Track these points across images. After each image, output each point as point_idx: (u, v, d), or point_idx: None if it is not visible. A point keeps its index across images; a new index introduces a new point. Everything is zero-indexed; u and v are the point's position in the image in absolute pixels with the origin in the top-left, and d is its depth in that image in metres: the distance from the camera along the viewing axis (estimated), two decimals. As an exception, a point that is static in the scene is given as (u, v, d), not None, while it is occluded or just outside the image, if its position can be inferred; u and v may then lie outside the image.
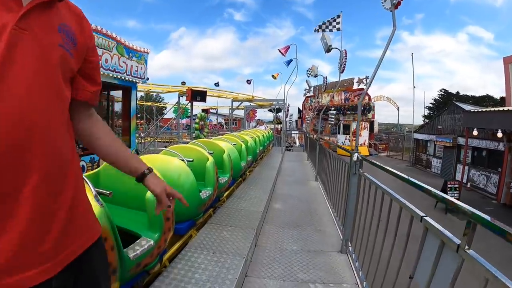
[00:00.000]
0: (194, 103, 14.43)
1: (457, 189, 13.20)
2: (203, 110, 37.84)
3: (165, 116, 28.61)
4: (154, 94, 36.37)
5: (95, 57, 1.15)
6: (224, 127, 38.26)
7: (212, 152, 4.76)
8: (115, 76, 7.28)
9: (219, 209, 4.73)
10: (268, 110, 31.53)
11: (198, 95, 13.68)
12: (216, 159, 4.75)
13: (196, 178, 3.75)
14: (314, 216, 5.12)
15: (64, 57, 0.95)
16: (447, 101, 36.55)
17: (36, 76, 0.85)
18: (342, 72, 8.75)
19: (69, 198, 0.95)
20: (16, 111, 0.79)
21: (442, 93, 46.75)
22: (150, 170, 1.36)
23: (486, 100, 42.23)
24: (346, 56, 8.79)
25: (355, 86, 31.89)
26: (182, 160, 3.78)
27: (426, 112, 43.93)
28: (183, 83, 26.17)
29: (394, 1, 3.57)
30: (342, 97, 33.77)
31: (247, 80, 35.12)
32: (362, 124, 28.35)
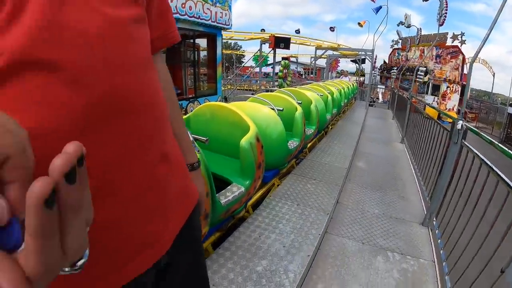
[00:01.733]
0: (281, 49, 14.18)
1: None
2: (283, 58, 37.17)
3: (245, 65, 28.43)
4: (232, 42, 36.25)
5: None
6: (303, 77, 37.44)
7: (300, 102, 4.70)
8: (199, 23, 7.44)
9: (302, 161, 4.72)
10: (351, 61, 30.13)
11: (281, 42, 13.40)
12: (303, 108, 4.64)
13: (284, 127, 3.74)
14: (398, 180, 4.88)
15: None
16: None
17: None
18: (441, 24, 8.08)
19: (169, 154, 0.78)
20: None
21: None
22: (198, 164, 1.04)
23: None
24: (447, 5, 8.06)
25: (449, 42, 28.55)
26: (272, 109, 3.78)
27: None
28: (263, 30, 25.81)
29: None
30: (434, 53, 30.35)
31: (330, 27, 33.71)
32: (452, 87, 26.21)
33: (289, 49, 13.81)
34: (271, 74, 18.60)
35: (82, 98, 0.51)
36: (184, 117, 3.59)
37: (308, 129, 4.86)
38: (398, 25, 17.33)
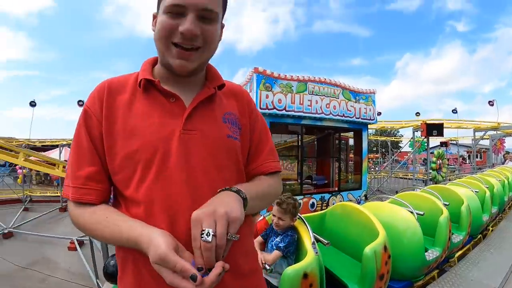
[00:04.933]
0: (434, 137, 13.47)
1: None
2: (441, 143, 34.95)
3: (402, 150, 27.70)
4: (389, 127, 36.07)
5: (257, 132, 1.19)
6: (467, 162, 34.06)
7: (447, 203, 4.30)
8: (344, 120, 8.06)
9: (445, 273, 4.15)
10: (521, 136, 26.46)
11: (433, 129, 12.74)
12: (452, 210, 4.26)
13: (424, 231, 3.47)
14: None
15: (233, 145, 1.04)
16: None
17: (208, 172, 0.96)
18: None
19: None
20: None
21: None
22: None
23: None
24: None
25: None
26: (411, 213, 3.58)
27: None
28: (417, 114, 24.87)
29: None
30: None
31: (489, 102, 30.87)
32: None
33: (443, 136, 13.00)
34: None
35: None
36: (321, 212, 3.90)
37: (457, 235, 4.37)
38: None
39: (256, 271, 1.13)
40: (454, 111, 27.92)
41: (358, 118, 8.33)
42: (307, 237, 2.60)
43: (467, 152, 37.95)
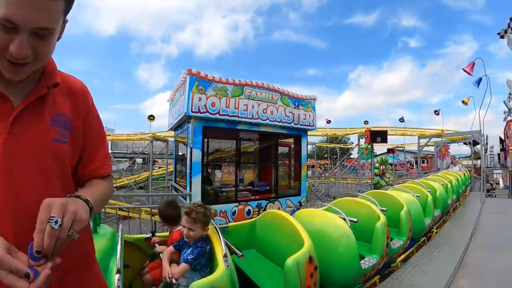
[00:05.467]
0: (378, 143, 13.69)
1: None
2: (388, 150, 36.26)
3: (352, 156, 28.83)
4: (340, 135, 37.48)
5: (92, 134, 1.20)
6: (414, 167, 35.56)
7: (385, 209, 4.22)
8: (282, 126, 7.96)
9: (386, 279, 4.05)
10: (464, 144, 27.75)
11: (377, 135, 13.07)
12: (391, 216, 4.29)
13: (362, 238, 3.55)
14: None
15: (60, 149, 1.02)
16: None
17: (30, 178, 0.94)
18: None
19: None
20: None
21: None
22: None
23: None
24: None
25: None
26: (344, 220, 3.47)
27: None
28: (366, 122, 25.69)
29: None
30: None
31: (435, 111, 32.57)
32: None
33: (386, 142, 13.27)
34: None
35: None
36: (251, 220, 3.89)
37: (396, 240, 4.34)
38: (508, 97, 15.67)
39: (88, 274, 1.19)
40: (401, 119, 29.60)
41: (297, 124, 8.35)
42: (219, 249, 2.46)
43: (414, 158, 39.50)
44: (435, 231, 6.42)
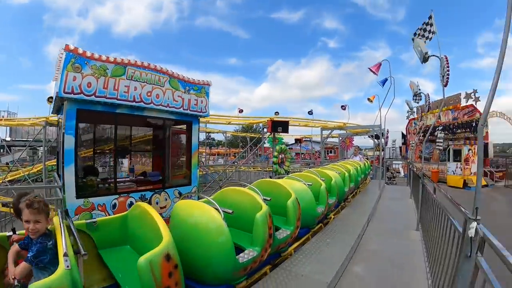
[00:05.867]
0: (284, 133, 13.64)
1: None
2: (296, 140, 36.91)
3: (265, 146, 29.04)
4: (254, 125, 37.88)
5: None
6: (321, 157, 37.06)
7: (269, 199, 4.17)
8: (169, 111, 7.18)
9: (275, 269, 3.97)
10: (369, 137, 29.56)
11: (279, 125, 12.86)
12: (280, 205, 4.50)
13: (244, 229, 3.84)
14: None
15: None
16: None
17: None
18: (445, 85, 7.23)
19: None
20: None
21: None
22: None
23: None
24: (448, 64, 7.18)
25: (463, 103, 28.49)
26: (217, 210, 3.32)
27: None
28: (277, 113, 25.75)
29: None
30: (450, 116, 30.30)
31: (342, 106, 34.13)
32: (474, 149, 24.52)
33: (287, 132, 13.19)
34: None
35: None
36: (122, 214, 3.69)
37: (284, 230, 4.38)
38: (413, 99, 16.93)
39: None
40: (310, 112, 30.51)
41: (187, 109, 7.60)
42: (60, 247, 2.22)
43: (325, 148, 41.89)
44: (332, 217, 6.70)
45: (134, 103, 6.30)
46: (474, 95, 27.57)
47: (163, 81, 7.02)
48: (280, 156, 10.92)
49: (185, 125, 8.17)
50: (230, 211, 3.34)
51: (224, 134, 32.72)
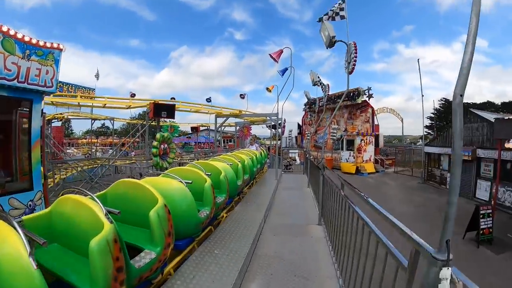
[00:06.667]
0: (180, 121, 12.22)
1: (491, 215, 11.27)
2: (192, 128, 35.68)
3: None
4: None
5: None
6: (221, 146, 36.44)
7: (210, 173, 5.31)
8: None
9: (217, 229, 5.22)
10: (267, 126, 29.69)
11: (163, 110, 11.36)
12: (213, 179, 5.40)
13: (194, 197, 4.32)
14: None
15: None
16: (448, 110, 38.62)
17: None
18: (351, 72, 6.71)
19: None
20: None
21: (443, 102, 48.25)
22: None
23: (487, 106, 44.26)
24: (356, 50, 6.60)
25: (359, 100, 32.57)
26: (181, 182, 4.35)
27: (428, 122, 45.44)
28: (173, 98, 24.17)
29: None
30: (344, 116, 34.17)
31: (240, 95, 33.93)
32: (366, 139, 28.68)
33: (173, 118, 11.89)
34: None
35: None
36: (101, 192, 4.01)
37: (219, 197, 5.56)
38: (313, 85, 16.92)
39: None
40: (208, 99, 30.16)
41: (24, 82, 5.42)
42: (98, 211, 2.60)
43: (223, 137, 41.82)
44: (224, 215, 6.51)
45: None
46: (368, 92, 31.08)
47: (-8, 41, 5.51)
48: (162, 146, 8.98)
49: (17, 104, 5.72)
50: (190, 181, 4.36)
51: (112, 122, 30.05)
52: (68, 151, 36.47)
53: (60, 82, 29.74)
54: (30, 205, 5.72)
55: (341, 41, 7.03)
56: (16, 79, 5.24)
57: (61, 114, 28.25)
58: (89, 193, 3.01)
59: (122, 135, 46.65)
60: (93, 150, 35.24)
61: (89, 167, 17.78)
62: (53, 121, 27.55)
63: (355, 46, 7.13)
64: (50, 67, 5.84)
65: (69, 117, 29.52)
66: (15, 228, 2.15)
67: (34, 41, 5.62)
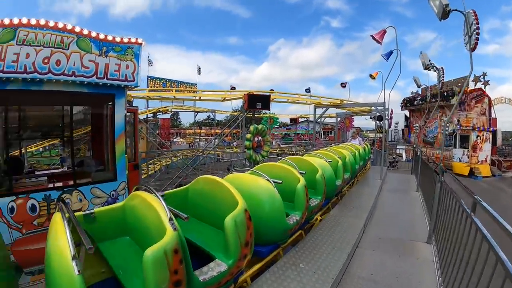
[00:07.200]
0: (280, 112, 11.85)
1: None
2: (291, 119, 35.31)
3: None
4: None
5: None
6: (321, 138, 35.48)
7: (304, 172, 4.89)
8: (77, 81, 5.27)
9: (309, 233, 4.82)
10: (371, 118, 27.74)
11: (258, 101, 10.95)
12: (308, 178, 4.91)
13: (284, 198, 3.97)
14: None
15: None
16: None
17: None
18: (473, 49, 5.58)
19: None
20: None
21: None
22: None
23: None
24: (478, 21, 5.42)
25: (471, 86, 27.27)
26: (269, 181, 3.97)
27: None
28: (272, 91, 23.95)
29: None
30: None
31: (341, 83, 32.42)
32: (483, 135, 23.16)
33: (268, 109, 11.41)
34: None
35: None
36: (184, 187, 3.96)
37: (314, 199, 5.08)
38: (425, 69, 15.01)
39: None
40: (307, 90, 29.35)
41: (104, 78, 5.58)
42: (164, 214, 2.48)
43: (322, 128, 40.36)
44: (346, 191, 7.26)
45: (25, 75, 4.73)
46: (483, 78, 26.96)
47: (68, 42, 5.12)
48: (256, 139, 8.50)
49: (99, 100, 6.24)
50: (280, 181, 3.93)
51: (213, 114, 32.55)
52: (174, 140, 41.02)
53: (164, 79, 33.30)
54: (113, 194, 5.98)
55: (456, 10, 5.84)
56: (94, 76, 5.43)
57: (165, 107, 31.06)
58: (157, 193, 2.78)
59: (225, 126, 48.97)
60: (196, 140, 39.05)
61: (187, 156, 18.18)
62: (157, 114, 30.35)
63: (475, 15, 5.82)
64: (130, 62, 5.95)
65: (173, 110, 32.06)
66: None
67: (110, 37, 5.76)
